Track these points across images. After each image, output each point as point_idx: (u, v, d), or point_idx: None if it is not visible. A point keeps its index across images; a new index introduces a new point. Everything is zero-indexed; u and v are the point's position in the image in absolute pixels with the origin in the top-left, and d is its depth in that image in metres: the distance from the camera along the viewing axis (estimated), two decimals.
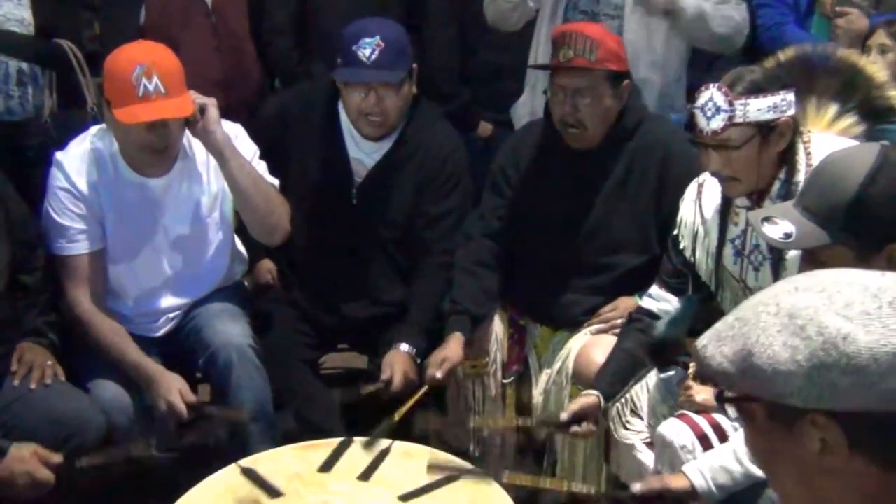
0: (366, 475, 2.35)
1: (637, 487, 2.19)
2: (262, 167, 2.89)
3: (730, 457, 2.16)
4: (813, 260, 1.95)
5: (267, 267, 3.29)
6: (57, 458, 2.39)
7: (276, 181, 2.92)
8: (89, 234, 2.78)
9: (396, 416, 2.62)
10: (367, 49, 2.88)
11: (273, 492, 2.28)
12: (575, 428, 2.51)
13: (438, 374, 2.78)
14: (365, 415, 2.91)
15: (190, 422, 2.69)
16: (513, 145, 3.07)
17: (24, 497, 2.38)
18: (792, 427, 1.11)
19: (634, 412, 2.70)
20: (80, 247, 2.78)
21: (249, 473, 2.33)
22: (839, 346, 1.07)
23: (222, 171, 2.79)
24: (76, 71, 3.45)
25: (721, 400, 1.20)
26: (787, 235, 1.94)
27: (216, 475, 2.33)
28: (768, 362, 1.10)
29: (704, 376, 1.57)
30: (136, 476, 2.65)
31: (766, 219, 1.98)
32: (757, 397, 1.13)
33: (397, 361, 2.84)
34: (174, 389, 2.67)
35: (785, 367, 1.09)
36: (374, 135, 3.02)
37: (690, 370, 2.52)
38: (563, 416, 2.52)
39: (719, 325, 1.19)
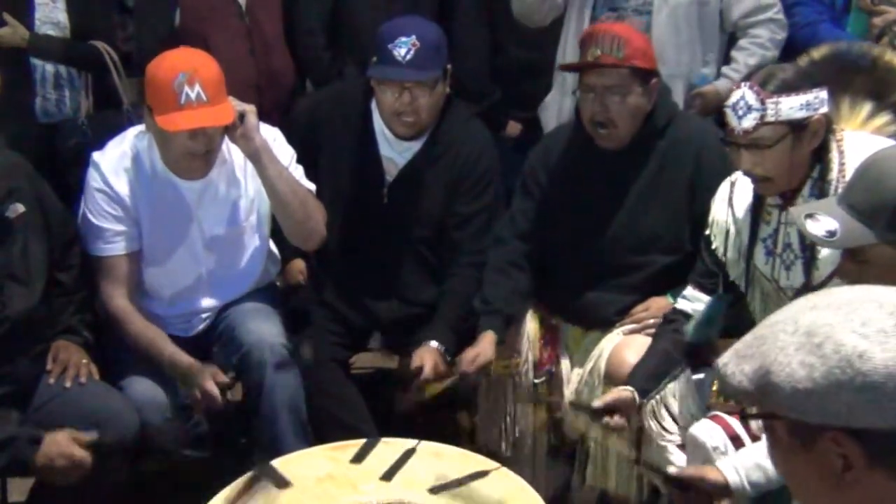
0: (389, 475, 2.35)
1: (673, 470, 2.18)
2: (298, 172, 2.90)
3: (764, 454, 2.14)
4: (855, 258, 1.94)
5: (298, 267, 3.30)
6: (90, 436, 2.42)
7: (312, 186, 2.93)
8: (126, 235, 2.79)
9: (427, 394, 2.61)
10: (403, 48, 2.88)
11: (282, 482, 2.28)
12: (606, 419, 2.50)
13: (471, 369, 2.78)
14: (396, 415, 2.93)
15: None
16: (544, 147, 3.07)
17: (66, 480, 2.41)
18: (812, 444, 1.12)
19: (668, 409, 2.68)
20: (116, 248, 2.79)
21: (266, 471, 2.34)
22: (855, 364, 1.08)
23: (260, 177, 2.79)
24: (112, 72, 3.49)
25: (744, 417, 1.21)
26: (831, 233, 1.92)
27: (243, 478, 2.34)
28: (786, 380, 1.11)
29: (726, 394, 1.58)
30: (168, 474, 2.68)
31: (809, 215, 1.96)
32: (777, 415, 1.14)
33: (427, 354, 2.85)
34: (207, 376, 2.68)
35: (802, 386, 1.10)
36: (406, 134, 3.02)
37: (714, 386, 2.50)
38: (597, 403, 2.52)
39: (739, 345, 1.20)
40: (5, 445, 2.38)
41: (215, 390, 2.66)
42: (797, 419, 1.11)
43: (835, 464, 1.10)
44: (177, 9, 3.60)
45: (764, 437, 2.22)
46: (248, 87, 3.44)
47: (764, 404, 1.15)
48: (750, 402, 1.18)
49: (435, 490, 2.26)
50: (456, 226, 3.07)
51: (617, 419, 2.51)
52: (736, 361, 1.18)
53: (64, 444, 2.39)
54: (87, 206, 2.79)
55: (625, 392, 2.52)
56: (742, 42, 3.41)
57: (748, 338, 1.19)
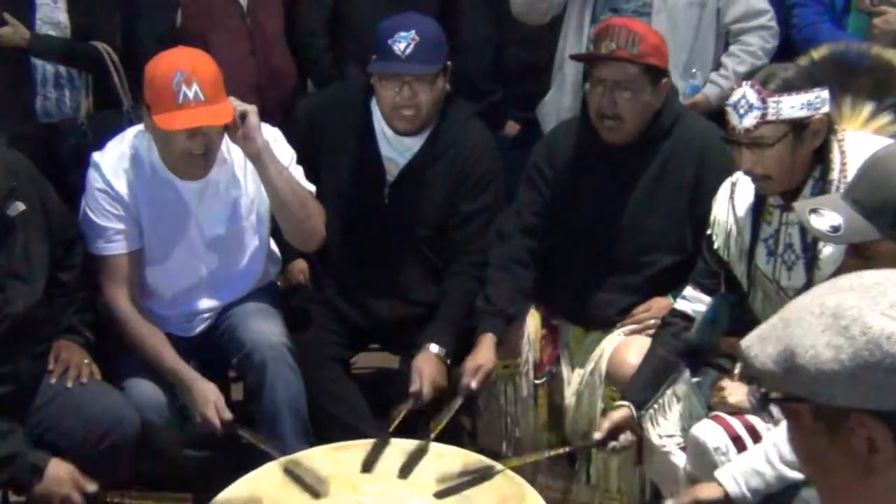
0: (405, 472, 2.34)
1: (669, 502, 2.18)
2: (298, 172, 2.89)
3: (762, 460, 2.14)
4: (859, 254, 1.94)
5: (299, 267, 3.30)
6: (91, 487, 2.41)
7: (312, 187, 2.92)
8: (127, 234, 2.79)
9: (432, 434, 2.56)
10: (403, 43, 2.89)
11: (314, 493, 2.28)
12: (613, 443, 2.50)
13: (474, 384, 2.75)
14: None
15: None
16: (548, 142, 3.06)
17: None
18: (838, 427, 1.11)
19: (665, 416, 2.68)
20: (117, 247, 2.79)
21: (291, 473, 2.33)
22: (883, 346, 1.07)
23: (261, 178, 2.79)
24: (112, 73, 3.49)
25: (765, 401, 1.19)
26: (835, 228, 1.92)
27: (250, 474, 2.34)
28: (812, 362, 1.10)
29: (749, 377, 1.57)
30: (169, 475, 2.67)
31: (813, 210, 1.96)
32: (802, 398, 1.13)
33: (426, 368, 2.81)
34: (210, 404, 2.67)
35: (829, 367, 1.09)
36: (406, 130, 3.02)
37: (736, 369, 2.49)
38: (597, 435, 2.51)
39: (764, 326, 1.19)
40: (8, 462, 2.38)
41: (216, 421, 2.65)
42: (822, 402, 1.11)
43: (860, 448, 1.09)
44: (177, 9, 3.60)
45: (765, 438, 2.24)
46: (249, 87, 3.44)
47: (788, 387, 1.14)
48: (774, 385, 1.16)
49: (440, 494, 2.26)
50: (457, 225, 3.06)
51: (623, 438, 2.51)
52: (760, 344, 1.17)
53: (66, 485, 2.39)
54: (87, 205, 2.79)
55: (622, 410, 2.52)
56: (733, 49, 3.41)
57: (773, 320, 1.18)
